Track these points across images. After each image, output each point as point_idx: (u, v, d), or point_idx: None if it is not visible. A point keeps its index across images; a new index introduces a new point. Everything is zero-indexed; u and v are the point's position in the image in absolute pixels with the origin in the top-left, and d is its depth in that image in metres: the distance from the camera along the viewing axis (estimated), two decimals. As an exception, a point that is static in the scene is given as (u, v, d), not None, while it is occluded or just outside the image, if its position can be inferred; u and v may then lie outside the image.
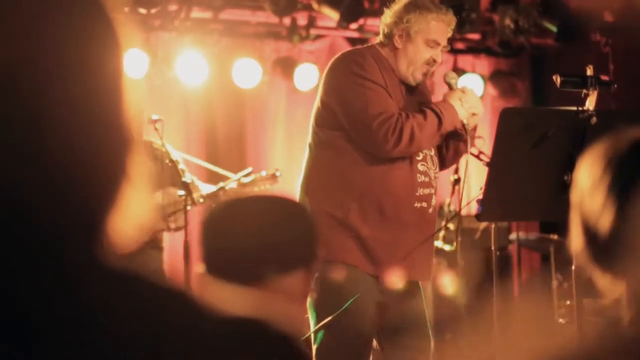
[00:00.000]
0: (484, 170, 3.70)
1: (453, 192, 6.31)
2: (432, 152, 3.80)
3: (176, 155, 5.05)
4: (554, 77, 3.31)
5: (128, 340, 0.81)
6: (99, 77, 0.85)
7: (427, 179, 3.72)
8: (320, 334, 3.60)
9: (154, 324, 0.83)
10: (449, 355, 6.14)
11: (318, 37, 7.60)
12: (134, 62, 6.07)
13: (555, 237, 6.17)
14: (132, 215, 0.87)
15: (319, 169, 3.72)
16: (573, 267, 3.31)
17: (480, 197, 3.40)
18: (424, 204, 3.71)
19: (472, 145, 3.78)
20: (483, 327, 4.20)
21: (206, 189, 5.06)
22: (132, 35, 0.89)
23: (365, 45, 4.02)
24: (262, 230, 1.92)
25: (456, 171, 6.20)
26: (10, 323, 0.78)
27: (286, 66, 7.34)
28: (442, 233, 6.46)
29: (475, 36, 7.80)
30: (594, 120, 3.22)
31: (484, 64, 8.17)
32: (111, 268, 0.85)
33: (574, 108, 3.28)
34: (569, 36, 7.28)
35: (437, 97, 4.00)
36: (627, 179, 1.37)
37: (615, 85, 3.38)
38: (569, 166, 3.23)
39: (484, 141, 5.10)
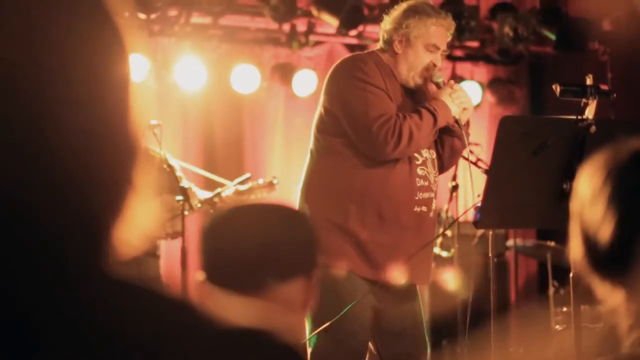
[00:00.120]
0: (482, 177, 3.71)
1: (451, 199, 6.31)
2: (433, 156, 3.81)
3: (173, 161, 5.05)
4: (553, 86, 3.32)
5: (128, 346, 0.81)
6: (104, 81, 0.85)
7: (426, 183, 3.74)
8: (315, 338, 3.60)
9: (155, 332, 0.83)
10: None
11: (317, 43, 7.61)
12: (133, 67, 6.05)
13: (552, 244, 6.18)
14: (136, 224, 0.87)
15: (319, 174, 3.73)
16: (570, 274, 3.31)
17: (479, 204, 3.40)
18: (424, 208, 3.72)
19: (468, 140, 3.81)
20: (480, 333, 4.21)
21: (203, 195, 5.05)
22: (134, 41, 0.89)
23: (366, 51, 4.03)
24: (262, 239, 1.92)
25: (454, 178, 6.21)
26: (10, 323, 0.78)
27: (285, 72, 7.34)
28: (439, 239, 6.46)
29: (474, 44, 7.81)
30: (593, 129, 3.23)
31: (483, 71, 8.18)
32: (112, 273, 0.85)
33: (574, 117, 3.28)
34: (568, 44, 7.29)
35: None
36: (628, 189, 1.38)
37: (615, 95, 3.39)
38: (568, 175, 3.23)
39: (482, 148, 5.12)
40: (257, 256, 1.90)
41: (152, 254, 4.94)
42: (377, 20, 7.04)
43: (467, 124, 3.84)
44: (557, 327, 5.47)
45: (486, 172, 3.89)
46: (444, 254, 6.58)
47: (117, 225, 0.85)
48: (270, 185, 5.09)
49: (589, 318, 4.78)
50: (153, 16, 6.56)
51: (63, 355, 0.79)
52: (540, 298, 6.19)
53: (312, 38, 7.46)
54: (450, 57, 7.76)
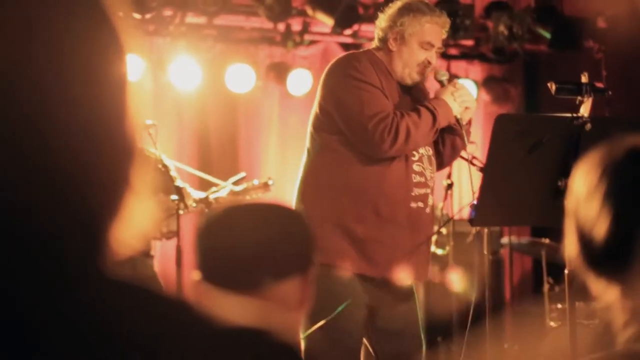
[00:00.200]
0: (477, 175, 3.71)
1: (446, 197, 6.32)
2: (429, 152, 3.81)
3: (168, 161, 5.05)
4: (549, 84, 3.32)
5: (126, 346, 0.81)
6: (101, 81, 0.85)
7: (422, 179, 3.74)
8: (312, 337, 3.60)
9: (152, 331, 0.83)
10: (440, 358, 6.15)
11: (312, 42, 7.61)
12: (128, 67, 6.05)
13: (546, 241, 6.19)
14: (133, 223, 0.87)
15: (315, 172, 3.74)
16: (565, 271, 3.32)
17: (474, 202, 3.41)
18: (420, 204, 3.73)
19: (469, 139, 3.81)
20: (475, 330, 4.21)
21: (198, 196, 5.05)
22: (130, 41, 0.89)
23: (361, 50, 4.04)
24: (258, 237, 1.92)
25: (449, 176, 6.22)
26: (9, 323, 0.78)
27: (280, 71, 7.34)
28: (434, 237, 6.46)
29: (469, 42, 7.82)
30: (588, 126, 3.24)
31: (477, 69, 8.19)
32: (110, 273, 0.85)
33: (569, 115, 3.29)
34: (563, 43, 7.30)
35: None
36: (623, 186, 1.38)
37: (610, 92, 3.40)
38: (563, 172, 3.24)
39: (477, 146, 5.12)
40: (253, 255, 1.90)
41: (147, 254, 4.93)
42: (372, 19, 7.05)
43: (469, 123, 3.85)
44: (552, 324, 5.48)
45: (481, 170, 3.89)
46: (439, 251, 6.59)
47: (114, 225, 0.86)
48: (266, 186, 5.09)
49: (583, 315, 4.80)
50: (148, 16, 6.56)
51: (62, 355, 0.79)
52: (535, 295, 6.20)
53: (307, 37, 7.46)
54: (445, 56, 7.76)
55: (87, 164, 0.83)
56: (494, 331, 4.37)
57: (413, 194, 3.71)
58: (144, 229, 0.88)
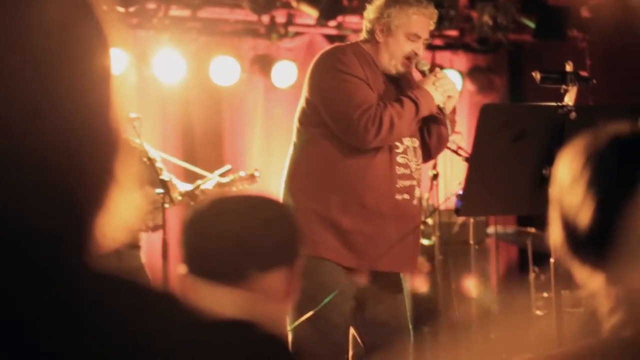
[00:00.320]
0: (462, 165, 3.72)
1: (432, 187, 6.33)
2: (415, 144, 3.82)
3: (154, 153, 5.03)
4: (533, 74, 3.33)
5: (115, 339, 0.81)
6: (85, 74, 0.85)
7: (407, 171, 3.75)
8: (299, 329, 3.61)
9: (139, 324, 0.83)
10: (428, 348, 6.17)
11: (296, 34, 7.60)
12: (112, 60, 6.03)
13: (532, 230, 6.21)
14: (119, 216, 0.87)
15: (301, 165, 3.75)
16: (551, 260, 3.33)
17: (460, 192, 3.41)
18: (406, 196, 3.73)
19: (454, 128, 3.81)
20: (461, 320, 4.23)
21: (184, 188, 5.04)
22: (114, 34, 0.89)
23: (347, 43, 4.05)
24: (244, 229, 1.92)
25: (434, 166, 6.22)
26: None
27: (264, 64, 7.33)
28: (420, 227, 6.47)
29: (453, 33, 7.83)
30: (573, 115, 3.25)
31: (462, 60, 8.20)
32: (98, 268, 0.85)
33: (554, 104, 3.30)
34: (547, 32, 7.32)
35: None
36: (607, 174, 1.39)
37: (594, 81, 3.41)
38: (548, 161, 3.25)
39: (463, 136, 5.14)
40: (239, 247, 1.90)
41: (134, 245, 4.92)
42: (356, 10, 7.07)
43: (454, 111, 3.85)
44: (538, 312, 5.51)
45: (467, 160, 3.90)
46: (425, 242, 6.60)
47: (100, 218, 0.85)
48: (252, 177, 5.08)
49: (569, 303, 4.82)
50: (131, 9, 6.54)
51: (50, 351, 0.79)
52: (521, 284, 6.22)
53: (292, 29, 7.45)
54: (430, 46, 7.76)
55: (71, 157, 0.83)
56: (480, 320, 4.38)
57: (398, 186, 3.71)
58: (129, 222, 0.88)
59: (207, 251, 1.91)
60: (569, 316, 4.10)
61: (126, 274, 0.86)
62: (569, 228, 1.40)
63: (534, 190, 3.29)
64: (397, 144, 3.73)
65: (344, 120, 3.62)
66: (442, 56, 8.13)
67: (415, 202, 3.78)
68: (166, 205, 4.78)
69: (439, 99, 3.74)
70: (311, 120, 3.73)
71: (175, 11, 6.91)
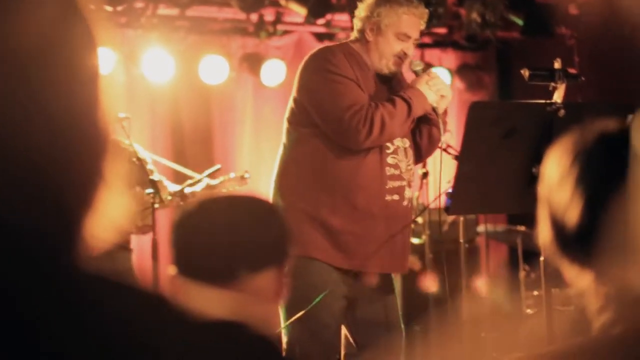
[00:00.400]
0: (452, 164, 3.72)
1: (421, 186, 6.33)
2: (406, 145, 3.81)
3: (144, 154, 5.02)
4: (522, 71, 3.34)
5: (103, 341, 0.81)
6: (73, 74, 0.85)
7: (397, 172, 3.75)
8: (290, 329, 3.62)
9: (129, 326, 0.83)
10: (418, 346, 6.17)
11: (285, 32, 7.59)
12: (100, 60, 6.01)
13: (522, 228, 6.21)
14: (107, 216, 0.87)
15: (290, 165, 3.74)
16: (541, 258, 3.34)
17: (449, 190, 3.42)
18: (396, 197, 3.73)
19: (445, 129, 3.81)
20: (452, 318, 4.23)
21: (174, 189, 5.03)
22: (102, 33, 0.89)
23: (337, 43, 4.05)
24: (233, 230, 1.92)
25: (424, 165, 6.22)
26: None
27: (253, 62, 7.32)
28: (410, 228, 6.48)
29: (442, 30, 7.83)
30: (562, 112, 3.25)
31: (451, 57, 8.21)
32: (85, 268, 0.84)
33: (543, 101, 3.30)
34: (535, 29, 7.33)
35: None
36: (595, 171, 1.39)
37: (583, 78, 3.42)
38: (538, 158, 3.25)
39: (452, 134, 5.14)
40: (228, 248, 1.90)
41: (124, 247, 4.91)
42: (344, 8, 7.07)
43: (445, 113, 3.85)
44: (529, 310, 5.51)
45: (456, 158, 3.90)
46: (415, 240, 6.60)
47: (88, 219, 0.85)
48: (242, 179, 5.07)
49: (560, 301, 4.83)
50: (119, 8, 6.52)
51: (50, 351, 0.78)
52: (511, 282, 6.23)
53: (280, 27, 7.45)
54: (419, 44, 7.75)
55: (59, 158, 0.82)
56: (470, 319, 4.39)
57: (387, 186, 3.71)
58: (118, 222, 0.88)
59: (197, 252, 1.91)
60: (559, 314, 4.12)
61: (115, 275, 0.86)
62: (558, 226, 1.40)
63: (523, 188, 3.30)
64: (388, 144, 3.73)
65: (334, 121, 3.62)
66: (431, 54, 8.14)
67: (405, 203, 3.78)
68: (156, 206, 4.77)
69: (432, 98, 3.74)
70: (300, 120, 3.72)
71: (163, 10, 6.89)
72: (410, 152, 3.83)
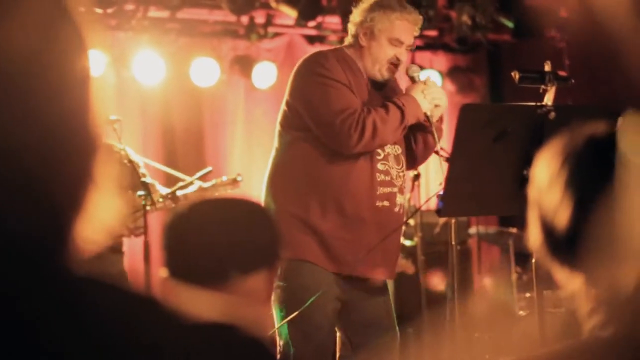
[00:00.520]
0: (444, 166, 3.72)
1: (413, 188, 6.34)
2: (398, 151, 3.81)
3: (136, 157, 5.02)
4: (512, 73, 3.34)
5: (96, 344, 0.81)
6: (64, 76, 0.85)
7: (387, 178, 3.74)
8: (284, 330, 3.62)
9: (121, 328, 0.83)
10: (411, 348, 6.18)
11: (276, 35, 7.60)
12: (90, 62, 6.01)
13: (514, 230, 6.23)
14: (98, 219, 0.87)
15: (282, 169, 3.74)
16: (533, 260, 3.34)
17: (441, 192, 3.42)
18: (386, 203, 3.73)
19: (439, 136, 3.81)
20: (444, 321, 4.23)
21: (166, 192, 5.02)
22: (92, 35, 0.89)
23: (331, 48, 4.05)
24: (224, 232, 1.92)
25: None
26: None
27: (244, 64, 7.32)
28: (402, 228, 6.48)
29: (432, 33, 7.85)
30: (552, 115, 3.25)
31: (442, 60, 8.22)
32: (76, 270, 0.84)
33: (533, 104, 3.31)
34: (526, 32, 7.35)
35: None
36: (584, 174, 1.39)
37: (573, 81, 3.42)
38: (528, 161, 3.26)
39: (443, 137, 5.15)
40: (220, 250, 1.90)
41: (116, 250, 4.90)
42: (335, 11, 7.07)
43: (440, 120, 3.85)
44: (521, 312, 5.52)
45: (447, 160, 3.90)
46: (407, 242, 6.61)
47: (79, 221, 0.85)
48: (234, 182, 5.07)
49: (552, 303, 4.84)
50: (110, 10, 6.51)
51: (50, 351, 0.78)
52: (503, 284, 6.24)
53: (271, 30, 7.45)
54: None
55: (50, 160, 0.82)
56: (463, 321, 4.39)
57: (378, 192, 3.71)
58: (109, 224, 0.88)
59: (188, 254, 1.91)
60: (551, 316, 4.13)
61: (107, 277, 0.86)
62: (548, 229, 1.40)
63: (515, 190, 3.30)
64: (379, 150, 3.72)
65: (326, 125, 3.62)
66: (422, 56, 8.15)
67: (396, 209, 3.78)
68: (147, 208, 4.76)
69: (426, 106, 3.73)
70: (292, 123, 3.73)
71: (154, 12, 6.89)
72: (402, 159, 3.83)
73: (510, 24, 7.47)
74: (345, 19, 3.90)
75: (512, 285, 5.87)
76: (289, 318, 3.43)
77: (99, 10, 6.35)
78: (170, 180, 5.43)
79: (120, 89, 6.76)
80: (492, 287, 6.17)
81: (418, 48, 8.10)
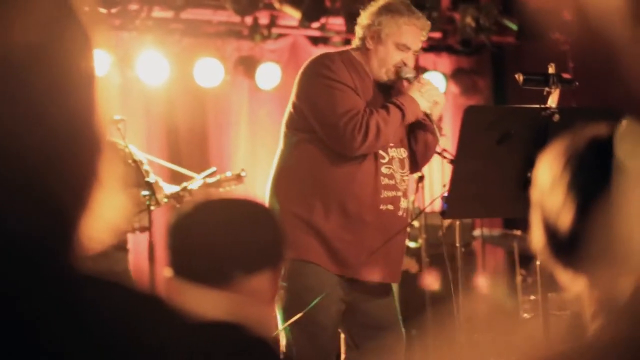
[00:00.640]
0: (448, 168, 3.73)
1: (417, 189, 6.34)
2: (403, 155, 3.81)
3: (140, 156, 5.02)
4: (516, 76, 3.34)
5: (100, 342, 0.81)
6: (69, 76, 0.85)
7: (392, 182, 3.74)
8: (288, 331, 3.62)
9: (126, 327, 0.83)
10: (415, 351, 6.17)
11: (280, 36, 7.60)
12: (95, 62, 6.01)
13: (518, 232, 6.22)
14: (103, 217, 0.87)
15: (287, 169, 3.75)
16: (537, 262, 3.34)
17: (445, 194, 3.41)
18: (390, 207, 3.73)
19: (440, 134, 3.81)
20: (448, 322, 4.23)
21: (170, 190, 5.03)
22: (96, 35, 0.89)
23: (338, 50, 4.05)
24: (229, 232, 1.92)
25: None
26: None
27: (248, 65, 7.32)
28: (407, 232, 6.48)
29: (436, 35, 7.84)
30: (556, 117, 3.25)
31: (446, 62, 8.22)
32: (81, 269, 0.84)
33: (537, 106, 3.31)
34: (529, 34, 7.35)
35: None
36: (586, 176, 1.39)
37: (577, 83, 3.42)
38: (532, 163, 3.25)
39: (447, 139, 5.15)
40: (224, 249, 1.91)
41: (121, 247, 4.91)
42: (339, 12, 7.07)
43: (440, 118, 3.86)
44: (525, 315, 5.51)
45: (452, 162, 3.90)
46: (412, 244, 6.60)
47: (84, 220, 0.85)
48: (239, 177, 5.07)
49: (556, 305, 4.82)
50: (114, 10, 6.51)
51: (50, 351, 0.78)
52: (507, 287, 6.23)
53: (275, 31, 7.45)
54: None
55: (55, 159, 0.82)
56: (467, 323, 4.38)
57: (382, 196, 3.71)
58: (113, 223, 0.88)
59: (193, 254, 1.91)
60: (555, 319, 4.11)
61: (112, 276, 0.86)
62: (550, 231, 1.40)
63: (519, 192, 3.30)
64: (383, 153, 3.73)
65: (330, 127, 3.62)
66: (426, 58, 8.14)
67: (400, 213, 3.78)
68: (152, 207, 4.77)
69: (424, 105, 3.74)
70: (298, 125, 3.73)
71: (158, 12, 6.89)
72: (407, 163, 3.83)
73: (514, 26, 7.47)
74: (349, 21, 3.90)
75: (517, 288, 5.86)
76: (293, 319, 3.43)
77: (103, 10, 6.35)
78: (174, 178, 5.44)
79: (124, 89, 6.76)
80: (497, 289, 6.16)
81: (422, 50, 8.10)
